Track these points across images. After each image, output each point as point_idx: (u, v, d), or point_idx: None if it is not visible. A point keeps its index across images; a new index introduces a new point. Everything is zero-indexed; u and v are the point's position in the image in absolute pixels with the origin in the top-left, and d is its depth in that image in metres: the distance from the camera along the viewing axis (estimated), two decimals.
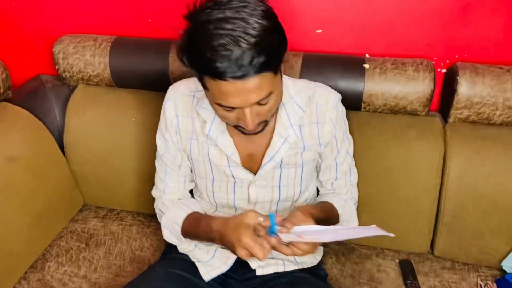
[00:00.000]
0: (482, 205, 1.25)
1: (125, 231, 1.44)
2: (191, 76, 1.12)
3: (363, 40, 1.38)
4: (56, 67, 1.47)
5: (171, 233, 1.11)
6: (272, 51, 0.80)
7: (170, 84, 1.12)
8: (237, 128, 0.94)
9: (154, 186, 1.19)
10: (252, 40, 0.77)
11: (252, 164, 1.07)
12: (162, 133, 1.11)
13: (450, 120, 1.31)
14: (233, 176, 1.08)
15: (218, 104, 0.87)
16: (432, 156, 1.27)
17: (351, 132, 1.16)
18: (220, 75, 0.78)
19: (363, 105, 1.32)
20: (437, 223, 1.31)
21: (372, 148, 1.29)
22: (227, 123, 0.97)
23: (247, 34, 0.77)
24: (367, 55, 1.38)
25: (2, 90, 1.35)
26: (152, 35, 1.49)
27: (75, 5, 1.52)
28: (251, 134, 0.95)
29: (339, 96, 1.08)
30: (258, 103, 0.85)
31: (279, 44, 0.83)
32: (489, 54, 1.32)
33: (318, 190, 1.22)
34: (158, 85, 1.38)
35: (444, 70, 1.37)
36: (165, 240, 1.14)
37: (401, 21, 1.33)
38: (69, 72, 1.46)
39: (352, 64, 1.31)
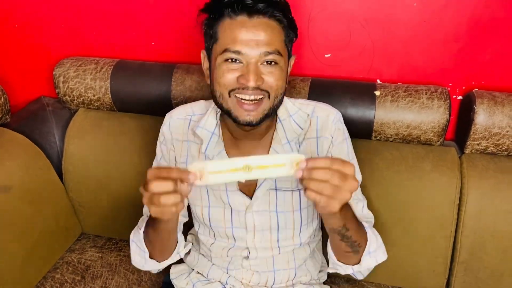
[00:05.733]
0: (502, 244, 1.17)
1: (123, 262, 1.37)
2: (193, 101, 1.09)
3: (374, 65, 1.32)
4: (57, 90, 1.43)
5: (137, 246, 1.00)
6: (287, 13, 0.89)
7: (172, 109, 1.09)
8: (237, 99, 0.88)
9: None
10: None
11: (250, 185, 1.01)
12: (157, 161, 1.09)
13: (467, 151, 1.24)
14: (229, 203, 1.02)
15: (225, 51, 0.86)
16: (447, 190, 1.19)
17: (359, 161, 1.08)
18: (232, 5, 0.85)
19: (373, 134, 1.25)
20: (453, 261, 1.23)
21: (383, 180, 1.22)
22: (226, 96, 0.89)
23: None
24: (378, 81, 1.31)
25: None
26: (155, 58, 1.44)
27: (77, 27, 1.48)
28: (249, 125, 0.90)
29: (340, 114, 1.04)
30: (265, 61, 0.86)
31: (292, 20, 0.91)
32: (508, 81, 1.25)
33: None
34: (160, 110, 1.32)
35: (460, 97, 1.30)
36: (163, 275, 1.07)
37: (414, 45, 1.27)
38: (69, 96, 1.42)
39: (362, 91, 1.25)
